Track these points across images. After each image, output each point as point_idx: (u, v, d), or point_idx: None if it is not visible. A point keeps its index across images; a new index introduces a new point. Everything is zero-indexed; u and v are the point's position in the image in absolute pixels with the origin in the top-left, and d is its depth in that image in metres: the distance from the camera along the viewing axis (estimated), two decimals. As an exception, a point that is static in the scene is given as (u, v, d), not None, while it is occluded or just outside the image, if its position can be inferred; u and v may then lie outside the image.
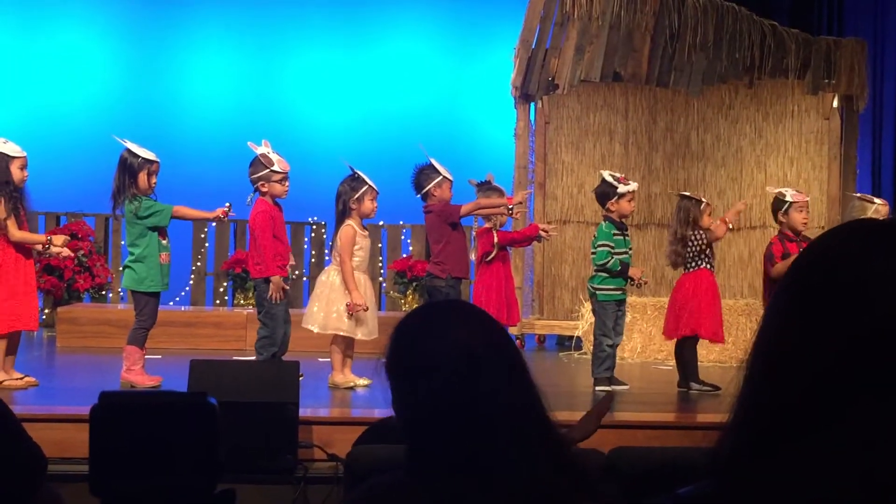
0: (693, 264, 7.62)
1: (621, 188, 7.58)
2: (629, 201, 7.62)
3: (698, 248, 7.59)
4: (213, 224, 11.64)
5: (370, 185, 7.32)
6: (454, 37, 13.43)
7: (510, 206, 7.87)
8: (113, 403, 3.12)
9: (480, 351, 1.83)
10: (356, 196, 7.27)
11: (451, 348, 1.82)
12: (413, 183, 7.73)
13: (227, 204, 7.24)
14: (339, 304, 7.22)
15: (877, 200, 8.58)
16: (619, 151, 11.19)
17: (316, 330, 7.29)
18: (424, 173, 7.68)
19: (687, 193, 7.97)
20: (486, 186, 8.07)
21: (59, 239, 7.17)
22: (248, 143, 7.48)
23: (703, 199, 7.80)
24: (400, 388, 1.89)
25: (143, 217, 6.97)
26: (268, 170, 7.28)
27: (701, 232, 7.59)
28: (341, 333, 7.23)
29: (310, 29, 13.29)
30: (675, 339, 7.66)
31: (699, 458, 1.23)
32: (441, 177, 7.62)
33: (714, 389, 7.38)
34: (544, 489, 1.79)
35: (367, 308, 7.23)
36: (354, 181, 7.34)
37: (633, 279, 7.51)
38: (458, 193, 7.90)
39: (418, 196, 7.73)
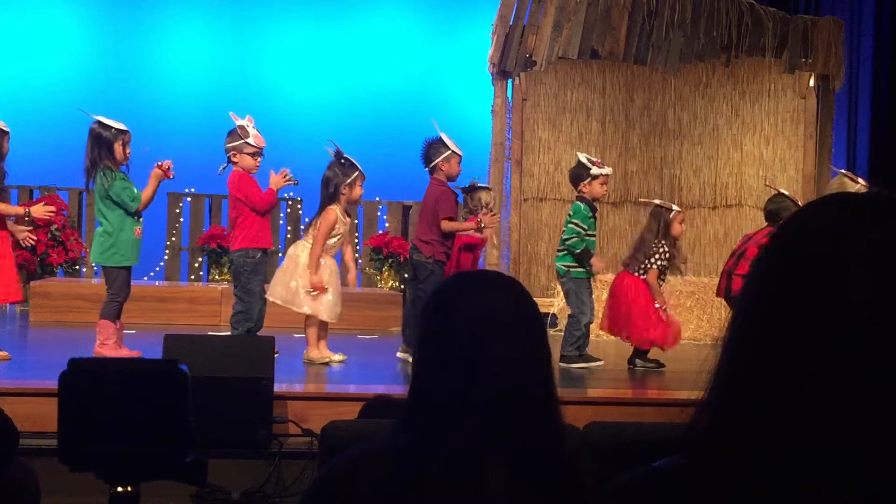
0: (642, 271, 7.59)
1: (594, 170, 7.61)
2: (602, 184, 7.65)
3: (656, 260, 7.55)
4: (188, 199, 11.59)
5: (360, 171, 7.32)
6: (432, 12, 13.39)
7: (480, 225, 7.81)
8: (83, 370, 3.09)
9: (506, 318, 1.84)
10: (348, 181, 7.27)
11: (477, 313, 1.83)
12: (422, 156, 7.71)
13: (168, 162, 7.08)
14: (300, 280, 7.23)
15: (860, 181, 8.60)
16: (595, 129, 11.19)
17: (278, 301, 7.29)
18: (433, 147, 7.67)
19: (658, 202, 7.95)
20: (470, 190, 8.13)
21: (38, 210, 7.15)
22: (230, 112, 7.44)
23: (675, 208, 7.77)
24: (427, 350, 1.88)
25: (115, 197, 6.89)
26: (242, 141, 7.26)
27: (664, 245, 7.55)
28: (304, 311, 7.23)
29: (287, 3, 13.21)
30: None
31: (673, 433, 1.22)
32: (450, 151, 7.61)
33: (658, 366, 7.51)
34: (545, 465, 1.79)
35: (326, 290, 7.21)
36: (344, 166, 7.31)
37: (592, 270, 7.57)
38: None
39: (427, 169, 7.71)
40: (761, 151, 11.00)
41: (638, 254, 7.63)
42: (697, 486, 1.13)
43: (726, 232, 11.09)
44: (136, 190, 6.93)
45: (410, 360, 1.97)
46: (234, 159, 7.28)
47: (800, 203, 7.89)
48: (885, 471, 1.06)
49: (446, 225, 7.57)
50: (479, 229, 7.84)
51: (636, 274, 7.59)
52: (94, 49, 12.82)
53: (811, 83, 10.77)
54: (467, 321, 1.83)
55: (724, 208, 11.17)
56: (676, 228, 7.62)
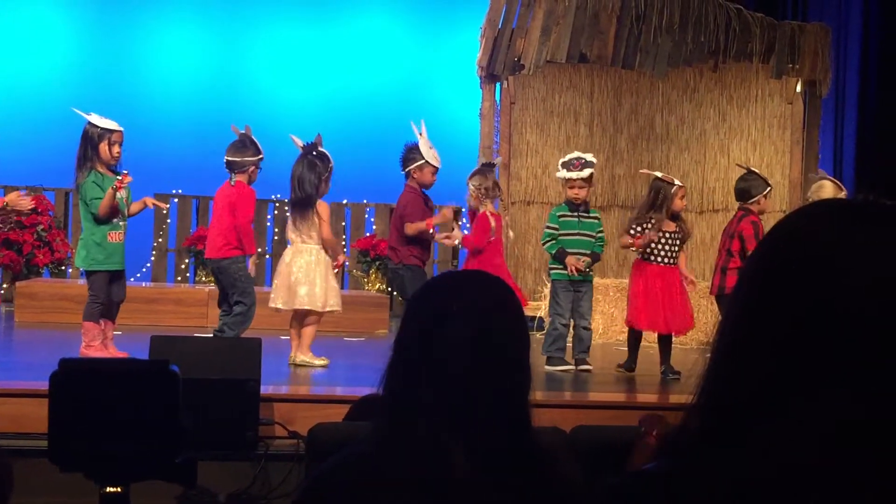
0: (640, 253, 7.54)
1: (559, 173, 7.67)
2: (570, 187, 7.60)
3: (646, 229, 7.45)
4: (175, 201, 11.56)
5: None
6: (421, 15, 13.39)
7: (430, 230, 7.73)
8: (73, 370, 3.08)
9: (493, 318, 1.85)
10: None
11: (466, 311, 1.84)
12: (400, 159, 7.71)
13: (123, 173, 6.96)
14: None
15: (844, 190, 8.57)
16: (583, 133, 11.21)
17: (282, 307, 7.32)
18: (410, 152, 7.66)
19: (660, 175, 7.82)
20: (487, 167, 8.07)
21: (12, 198, 7.02)
22: (233, 126, 7.48)
23: (677, 182, 7.64)
24: (407, 347, 1.88)
25: (83, 197, 6.86)
26: (262, 155, 7.37)
27: (653, 219, 7.44)
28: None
29: (277, 4, 13.20)
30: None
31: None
32: (423, 160, 7.59)
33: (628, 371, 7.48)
34: (513, 465, 1.80)
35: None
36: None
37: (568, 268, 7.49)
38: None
39: (402, 173, 7.72)
40: (748, 156, 11.02)
41: (629, 225, 7.57)
42: (688, 489, 1.13)
43: (713, 236, 11.10)
44: (100, 194, 6.78)
45: None
46: (254, 174, 7.35)
47: (769, 182, 7.80)
48: (875, 473, 1.06)
49: (409, 228, 7.56)
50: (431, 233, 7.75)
51: (640, 257, 7.51)
52: (82, 49, 12.78)
53: (798, 89, 10.81)
54: (441, 326, 1.84)
55: (710, 213, 11.19)
56: (678, 204, 7.48)
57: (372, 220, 11.91)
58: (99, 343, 6.88)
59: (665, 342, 7.48)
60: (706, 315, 9.80)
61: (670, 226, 7.47)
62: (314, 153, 7.32)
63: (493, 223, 7.60)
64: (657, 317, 7.43)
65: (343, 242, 11.64)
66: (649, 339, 7.99)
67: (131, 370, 3.20)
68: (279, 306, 7.26)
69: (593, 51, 10.18)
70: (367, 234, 11.75)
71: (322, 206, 7.31)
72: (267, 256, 11.54)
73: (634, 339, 7.59)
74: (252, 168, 7.35)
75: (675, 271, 7.51)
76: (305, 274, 7.23)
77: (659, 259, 7.47)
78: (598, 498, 1.23)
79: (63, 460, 3.00)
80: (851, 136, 12.21)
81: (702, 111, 11.24)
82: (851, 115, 12.22)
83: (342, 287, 9.51)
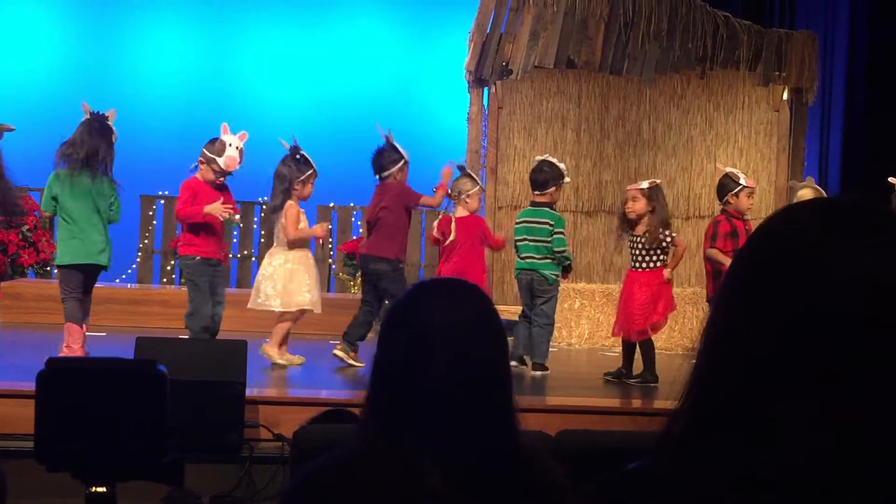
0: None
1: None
2: None
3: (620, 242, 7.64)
4: (162, 202, 11.54)
5: (315, 170, 7.33)
6: (410, 19, 13.40)
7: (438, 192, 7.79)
8: (60, 369, 3.08)
9: (469, 325, 1.86)
10: (302, 178, 7.30)
11: (442, 320, 1.84)
12: (374, 163, 7.66)
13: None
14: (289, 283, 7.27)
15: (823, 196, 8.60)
16: (571, 138, 11.22)
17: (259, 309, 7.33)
18: (387, 155, 7.62)
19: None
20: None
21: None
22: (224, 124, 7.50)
23: (628, 188, 7.77)
24: (388, 355, 1.88)
25: None
26: (213, 156, 7.38)
27: (620, 230, 7.62)
28: (305, 308, 7.29)
29: (266, 6, 13.19)
30: None
31: (644, 441, 1.23)
32: (404, 160, 7.60)
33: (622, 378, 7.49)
34: (503, 468, 1.81)
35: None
36: (299, 162, 7.33)
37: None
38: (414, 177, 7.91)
39: (377, 177, 7.69)
40: (735, 163, 11.03)
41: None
42: (674, 489, 1.13)
43: (699, 243, 11.10)
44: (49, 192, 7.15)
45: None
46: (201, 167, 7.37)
47: (742, 181, 7.77)
48: (853, 479, 1.07)
49: (425, 200, 7.83)
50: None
51: None
52: (69, 50, 12.74)
53: (785, 96, 10.85)
54: (421, 332, 1.85)
55: (697, 219, 11.22)
56: (628, 206, 7.56)
57: (359, 223, 11.89)
58: (78, 346, 6.90)
59: (625, 346, 7.53)
60: (691, 321, 9.82)
61: (639, 229, 7.53)
62: (297, 156, 7.34)
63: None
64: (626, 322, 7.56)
65: (330, 245, 11.64)
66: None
67: (119, 370, 3.19)
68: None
69: (581, 56, 10.20)
70: (354, 238, 11.74)
71: (289, 209, 7.28)
72: (253, 259, 11.52)
73: (626, 346, 7.59)
74: (200, 160, 7.38)
75: (637, 275, 7.52)
76: (270, 276, 7.31)
77: (630, 264, 7.64)
78: (584, 497, 1.23)
79: (49, 460, 2.99)
80: (837, 143, 12.26)
81: (689, 118, 11.27)
82: (837, 123, 12.28)
83: (328, 290, 9.52)
